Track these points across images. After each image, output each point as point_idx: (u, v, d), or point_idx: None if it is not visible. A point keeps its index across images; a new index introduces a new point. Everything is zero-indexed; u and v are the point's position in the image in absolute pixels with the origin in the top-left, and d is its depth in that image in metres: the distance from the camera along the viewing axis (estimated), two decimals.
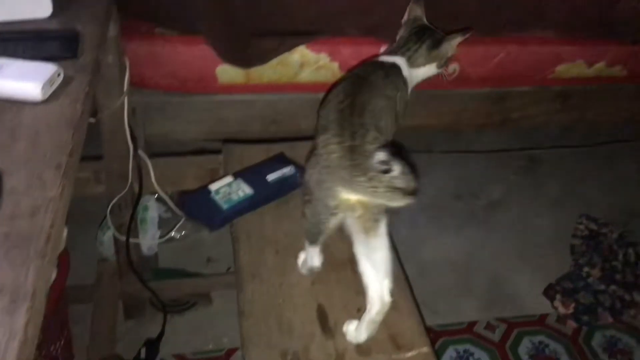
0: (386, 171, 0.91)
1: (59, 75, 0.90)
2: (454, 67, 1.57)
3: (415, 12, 1.31)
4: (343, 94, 1.10)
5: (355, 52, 1.48)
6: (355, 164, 0.95)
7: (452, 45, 1.26)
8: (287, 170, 1.33)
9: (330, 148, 1.00)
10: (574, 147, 2.53)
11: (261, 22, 1.41)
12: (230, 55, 1.40)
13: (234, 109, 1.54)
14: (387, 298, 1.06)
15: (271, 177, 1.31)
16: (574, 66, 1.63)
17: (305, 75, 1.51)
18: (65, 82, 0.91)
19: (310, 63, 1.49)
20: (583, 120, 1.82)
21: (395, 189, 0.91)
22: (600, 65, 1.65)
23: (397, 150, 0.96)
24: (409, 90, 1.26)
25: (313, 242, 1.13)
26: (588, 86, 1.71)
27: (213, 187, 1.27)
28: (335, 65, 1.50)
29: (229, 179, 1.29)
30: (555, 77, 1.65)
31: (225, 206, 1.23)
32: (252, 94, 1.53)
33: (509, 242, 2.12)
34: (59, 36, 1.02)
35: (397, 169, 0.90)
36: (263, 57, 1.43)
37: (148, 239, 1.62)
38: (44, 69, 0.88)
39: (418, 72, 1.27)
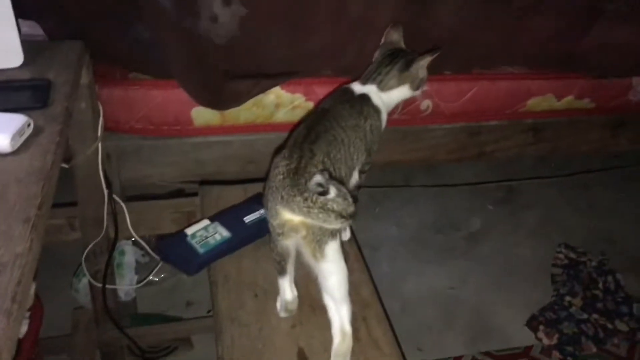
0: (322, 193, 0.94)
1: (29, 125, 0.90)
2: (427, 103, 1.60)
3: (391, 36, 1.35)
4: (303, 126, 1.14)
5: (329, 91, 1.50)
6: (294, 184, 0.98)
7: (422, 65, 1.29)
8: (265, 211, 1.32)
9: (277, 170, 1.03)
10: (549, 178, 2.57)
11: (235, 65, 1.42)
12: (204, 98, 1.41)
13: (211, 150, 1.54)
14: (347, 327, 1.06)
15: (248, 218, 1.30)
16: (544, 100, 1.67)
17: (281, 116, 1.52)
18: (36, 133, 0.90)
19: (285, 103, 1.50)
20: (556, 152, 1.86)
21: (329, 211, 0.94)
22: (569, 98, 1.70)
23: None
24: (384, 115, 1.28)
25: (281, 272, 1.13)
26: (559, 118, 1.75)
27: (189, 231, 1.25)
28: (310, 104, 1.51)
29: (205, 222, 1.28)
30: (526, 111, 1.69)
31: (202, 250, 1.21)
32: (229, 135, 1.53)
33: (491, 273, 2.13)
34: (30, 86, 1.02)
35: (332, 192, 0.94)
36: (238, 99, 1.44)
37: (125, 285, 1.59)
38: (13, 120, 0.88)
39: (391, 95, 1.29)
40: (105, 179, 1.37)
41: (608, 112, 1.79)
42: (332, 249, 1.03)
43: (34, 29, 1.33)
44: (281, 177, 1.01)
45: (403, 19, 1.48)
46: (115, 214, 1.41)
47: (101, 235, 1.39)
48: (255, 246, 1.30)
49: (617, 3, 1.62)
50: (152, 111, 1.44)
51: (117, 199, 1.42)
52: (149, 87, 1.41)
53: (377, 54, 1.34)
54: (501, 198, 2.52)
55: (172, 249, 1.24)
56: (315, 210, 0.94)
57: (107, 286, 1.48)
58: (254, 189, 1.48)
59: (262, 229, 1.30)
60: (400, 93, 1.30)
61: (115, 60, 1.42)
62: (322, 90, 1.50)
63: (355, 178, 1.24)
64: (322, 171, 0.99)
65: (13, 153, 0.85)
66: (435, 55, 1.27)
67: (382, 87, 1.27)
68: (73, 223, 1.40)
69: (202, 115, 1.46)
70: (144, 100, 1.42)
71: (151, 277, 1.71)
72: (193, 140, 1.52)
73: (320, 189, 0.95)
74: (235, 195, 1.46)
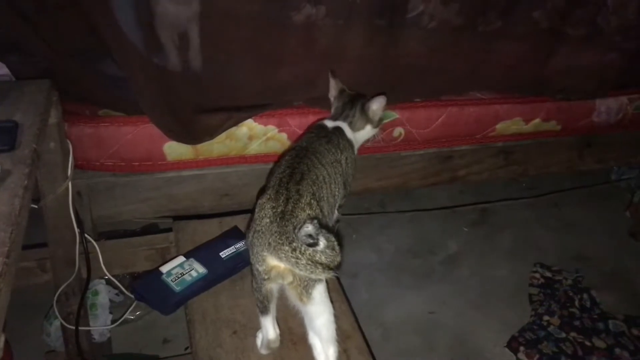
0: (311, 244, 0.93)
1: None
2: (399, 130, 1.62)
3: (339, 85, 1.41)
4: (285, 165, 1.13)
5: (302, 122, 1.51)
6: (282, 231, 0.97)
7: (374, 108, 1.36)
8: (241, 245, 1.31)
9: (263, 212, 1.02)
10: (521, 199, 2.61)
11: (206, 99, 1.43)
12: (176, 132, 1.40)
13: (185, 184, 1.52)
14: None
15: (224, 253, 1.28)
16: (512, 123, 1.71)
17: (255, 147, 1.52)
18: (3, 176, 0.88)
19: (259, 135, 1.50)
20: (526, 174, 1.89)
21: (316, 263, 0.92)
22: (536, 121, 1.74)
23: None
24: (355, 150, 1.34)
25: (263, 311, 1.11)
26: (528, 141, 1.79)
27: (164, 268, 1.23)
28: (283, 136, 1.51)
29: (180, 259, 1.26)
30: (496, 135, 1.72)
31: (177, 289, 1.19)
32: (203, 169, 1.52)
33: (469, 296, 2.13)
34: None
35: (322, 243, 0.93)
36: (210, 133, 1.44)
37: (99, 325, 1.55)
38: None
39: (359, 135, 1.37)
40: (76, 218, 1.34)
41: (574, 133, 1.83)
42: (319, 292, 1.02)
43: (1, 68, 1.31)
44: (268, 220, 1.00)
45: (372, 49, 1.50)
46: (87, 254, 1.37)
47: (73, 276, 1.36)
48: (232, 281, 1.29)
49: (578, 27, 1.68)
50: (123, 147, 1.42)
51: (89, 238, 1.39)
52: (119, 124, 1.40)
53: (334, 104, 1.41)
54: (476, 220, 2.54)
55: (147, 288, 1.21)
56: (303, 262, 0.93)
57: (80, 328, 1.44)
58: (229, 222, 1.47)
59: (238, 263, 1.29)
60: (366, 132, 1.38)
61: (84, 98, 1.41)
62: (294, 121, 1.51)
63: (335, 214, 1.24)
64: (312, 220, 0.96)
65: None
66: (382, 100, 1.35)
67: (353, 127, 1.35)
68: (44, 265, 1.36)
69: (175, 149, 1.45)
70: (114, 136, 1.40)
71: (126, 316, 1.66)
72: (166, 175, 1.50)
73: (310, 240, 0.93)
74: (210, 229, 1.45)
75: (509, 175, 1.88)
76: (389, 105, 1.51)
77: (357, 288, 2.13)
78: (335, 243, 0.95)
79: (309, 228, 0.94)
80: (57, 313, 1.41)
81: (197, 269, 1.23)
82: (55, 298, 1.39)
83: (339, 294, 1.31)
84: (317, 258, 0.92)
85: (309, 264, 0.92)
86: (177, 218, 1.53)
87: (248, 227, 1.09)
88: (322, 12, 1.72)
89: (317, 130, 1.29)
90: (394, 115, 1.59)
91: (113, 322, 1.59)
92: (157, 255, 1.46)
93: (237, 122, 1.45)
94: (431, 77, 1.64)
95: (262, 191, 1.12)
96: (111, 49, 1.23)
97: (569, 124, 1.78)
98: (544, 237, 2.44)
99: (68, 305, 1.42)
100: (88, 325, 1.53)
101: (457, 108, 1.64)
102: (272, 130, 1.50)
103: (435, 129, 1.64)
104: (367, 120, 1.35)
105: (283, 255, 0.95)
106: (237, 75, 1.44)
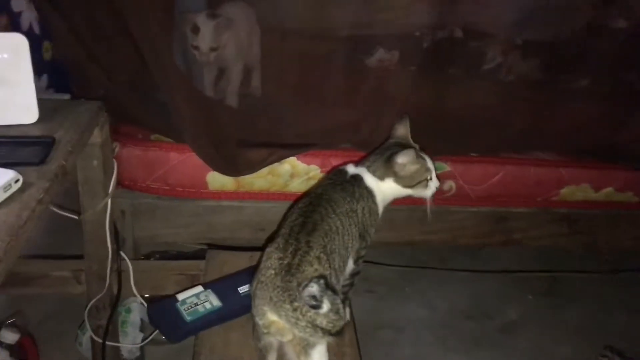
0: (314, 306, 0.89)
1: (16, 181, 0.92)
2: (450, 184, 1.54)
3: (398, 131, 1.31)
4: (298, 212, 1.10)
5: (345, 164, 1.48)
6: (285, 287, 0.93)
7: (399, 162, 1.20)
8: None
9: (270, 262, 0.99)
10: (598, 273, 2.37)
11: (252, 134, 1.44)
12: (217, 163, 1.42)
13: (223, 215, 1.54)
14: None
15: (243, 289, 1.26)
16: (578, 189, 1.57)
17: (296, 185, 1.51)
18: (24, 189, 0.92)
19: (300, 174, 1.49)
20: (595, 246, 1.72)
21: (316, 327, 0.89)
22: (608, 190, 1.59)
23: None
24: (378, 199, 1.22)
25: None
26: (597, 210, 1.63)
27: (181, 296, 1.23)
28: None
29: (198, 288, 1.25)
30: (559, 200, 1.59)
31: (188, 318, 1.18)
32: (242, 201, 1.53)
33: None
34: (34, 142, 1.06)
35: (325, 306, 0.89)
36: (252, 167, 1.45)
37: (128, 342, 1.58)
38: (1, 175, 0.91)
39: (383, 186, 1.23)
40: (114, 235, 1.39)
41: None
42: (319, 352, 0.97)
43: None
44: (272, 272, 0.97)
45: (436, 97, 1.46)
46: (119, 271, 1.41)
47: (104, 292, 1.40)
48: (246, 319, 1.25)
49: None
50: (168, 172, 1.47)
51: (124, 256, 1.43)
52: (167, 149, 1.45)
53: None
54: (543, 288, 2.33)
55: (160, 313, 1.22)
56: (303, 324, 0.90)
57: (108, 343, 1.47)
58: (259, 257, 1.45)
59: None
60: (390, 187, 1.23)
61: (138, 123, 1.48)
62: (338, 162, 1.48)
63: (350, 266, 1.18)
64: (318, 280, 0.93)
65: None
66: (409, 154, 1.19)
67: (372, 172, 1.23)
68: (79, 276, 1.41)
69: (217, 179, 1.48)
70: (161, 161, 1.46)
71: (156, 336, 1.68)
72: (207, 204, 1.53)
73: (313, 302, 0.90)
74: (240, 262, 1.43)
75: (573, 246, 1.72)
76: (440, 155, 1.45)
77: (400, 343, 2.02)
78: (340, 306, 0.91)
79: (314, 289, 0.90)
80: (87, 325, 1.45)
81: (212, 301, 1.22)
82: (87, 310, 1.43)
83: (353, 349, 1.23)
84: (318, 322, 0.89)
85: (308, 327, 0.90)
86: (212, 247, 1.54)
87: (254, 274, 1.06)
88: (396, 57, 1.71)
89: (334, 177, 1.24)
90: (445, 167, 1.51)
91: (143, 340, 1.62)
92: (187, 281, 1.47)
93: (279, 159, 1.45)
94: (493, 131, 1.56)
95: (270, 239, 1.09)
96: (157, 79, 1.28)
97: None
98: (618, 318, 2.19)
99: (98, 319, 1.46)
100: (117, 341, 1.56)
101: (516, 167, 1.54)
102: (314, 170, 1.49)
103: (490, 186, 1.55)
104: (391, 172, 1.21)
105: (283, 313, 0.92)
106: (287, 114, 1.45)
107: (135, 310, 1.58)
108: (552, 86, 1.67)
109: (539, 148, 1.59)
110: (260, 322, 0.98)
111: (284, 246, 1.00)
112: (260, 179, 1.49)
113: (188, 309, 1.20)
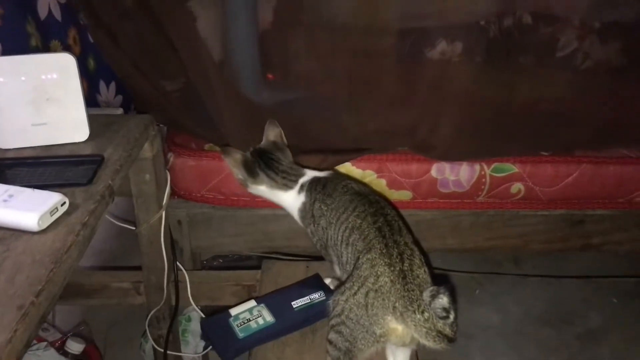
0: (444, 317, 0.90)
1: (63, 204, 0.92)
2: (518, 186, 1.42)
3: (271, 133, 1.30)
4: (370, 217, 1.05)
5: (404, 169, 1.41)
6: (411, 297, 0.92)
7: None
8: (316, 296, 1.24)
9: (379, 270, 0.96)
10: None
11: (304, 140, 1.39)
12: None
13: (279, 223, 1.51)
14: None
15: (297, 303, 1.22)
16: None
17: None
18: (70, 211, 0.92)
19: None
20: None
21: (443, 336, 0.90)
22: None
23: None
24: None
25: None
26: None
27: (234, 311, 1.20)
28: (382, 182, 1.43)
29: (251, 303, 1.22)
30: None
31: (241, 335, 1.15)
32: None
33: None
34: (83, 161, 1.06)
35: (452, 316, 0.91)
36: None
37: (190, 351, 1.59)
38: (48, 199, 0.90)
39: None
40: (170, 246, 1.39)
41: None
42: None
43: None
44: (388, 280, 0.95)
45: (505, 91, 1.36)
46: (177, 282, 1.42)
47: (162, 302, 1.41)
48: (302, 333, 1.22)
49: None
50: (223, 181, 1.45)
51: (180, 267, 1.43)
52: (220, 158, 1.43)
53: None
54: (630, 291, 2.15)
55: (213, 328, 1.20)
56: (434, 333, 0.90)
57: (170, 352, 1.48)
58: (316, 267, 1.41)
59: (310, 316, 1.22)
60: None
61: (192, 132, 1.47)
62: (395, 167, 1.41)
63: None
64: (444, 290, 0.92)
65: (42, 231, 0.87)
66: None
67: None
68: (138, 287, 1.43)
69: None
70: (215, 170, 1.44)
71: None
72: (262, 212, 1.50)
73: (443, 314, 0.91)
74: (295, 273, 1.40)
75: None
76: (507, 157, 1.35)
77: (470, 352, 1.92)
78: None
79: (444, 300, 0.91)
80: (148, 335, 1.47)
81: (265, 317, 1.19)
82: (147, 321, 1.45)
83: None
84: (447, 331, 0.90)
85: (438, 336, 0.90)
86: (267, 257, 1.51)
87: (342, 282, 1.05)
88: (459, 49, 1.60)
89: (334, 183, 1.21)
90: (512, 168, 1.40)
91: (204, 349, 1.62)
92: (243, 291, 1.46)
93: (332, 165, 1.39)
94: (569, 127, 1.42)
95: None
96: (200, 88, 1.26)
97: None
98: None
99: (159, 329, 1.47)
100: (179, 350, 1.57)
101: (593, 166, 1.40)
102: (370, 175, 1.42)
103: (563, 187, 1.42)
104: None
105: (412, 323, 0.91)
106: (340, 116, 1.39)
107: (195, 319, 1.59)
108: (637, 73, 1.51)
109: (621, 143, 1.44)
110: (379, 332, 0.95)
111: (386, 251, 0.98)
112: None
113: (240, 325, 1.17)
